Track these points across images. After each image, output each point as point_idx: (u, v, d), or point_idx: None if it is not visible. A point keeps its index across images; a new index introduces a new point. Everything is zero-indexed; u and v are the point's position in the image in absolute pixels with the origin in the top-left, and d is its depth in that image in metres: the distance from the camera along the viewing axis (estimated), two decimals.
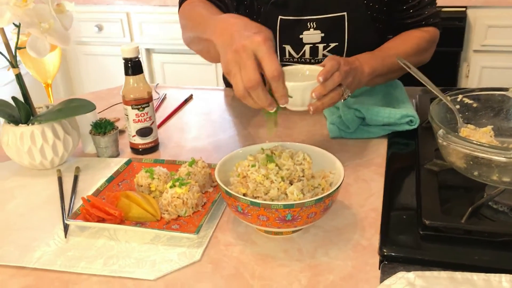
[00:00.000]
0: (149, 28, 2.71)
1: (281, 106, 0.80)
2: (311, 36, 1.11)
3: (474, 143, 0.73)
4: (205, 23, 0.93)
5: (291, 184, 0.74)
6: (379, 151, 1.01)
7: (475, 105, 0.93)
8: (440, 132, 0.77)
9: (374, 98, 1.15)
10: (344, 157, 0.98)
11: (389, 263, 0.70)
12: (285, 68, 0.91)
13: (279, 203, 0.68)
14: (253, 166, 0.76)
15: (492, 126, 0.91)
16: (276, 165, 0.75)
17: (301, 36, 1.12)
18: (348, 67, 0.90)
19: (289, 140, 1.06)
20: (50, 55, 1.08)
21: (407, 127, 1.03)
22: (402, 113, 1.02)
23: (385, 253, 0.71)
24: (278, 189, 0.73)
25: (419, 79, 0.93)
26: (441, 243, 0.72)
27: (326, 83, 0.84)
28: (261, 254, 0.74)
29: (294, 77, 0.89)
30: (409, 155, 0.98)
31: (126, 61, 0.98)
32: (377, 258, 0.71)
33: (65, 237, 0.79)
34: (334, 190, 0.71)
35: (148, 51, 2.79)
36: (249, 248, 0.75)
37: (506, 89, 0.92)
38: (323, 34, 1.11)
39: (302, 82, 0.84)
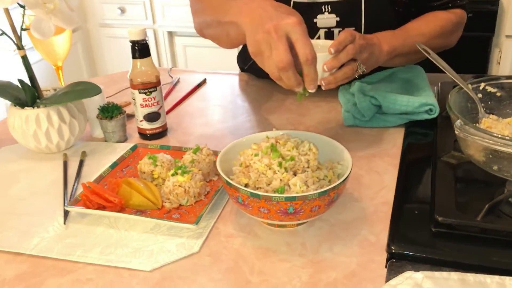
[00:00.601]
0: (171, 11, 2.68)
1: (310, 91, 0.78)
2: (326, 20, 1.06)
3: (494, 136, 0.68)
4: (226, 5, 0.89)
5: (295, 175, 0.71)
6: (395, 141, 0.96)
7: (499, 94, 0.87)
8: (457, 122, 0.72)
9: (393, 85, 1.09)
10: (358, 147, 0.94)
11: (397, 261, 0.66)
12: None
13: (280, 195, 0.65)
14: (256, 155, 0.72)
15: None
16: (280, 155, 0.71)
17: (315, 20, 1.07)
18: (365, 41, 0.86)
19: (302, 128, 1.03)
20: (60, 37, 1.07)
21: (426, 116, 0.98)
22: (421, 101, 0.97)
23: (393, 250, 0.67)
24: (280, 180, 0.69)
25: (438, 65, 0.88)
26: (454, 242, 0.68)
27: (338, 56, 0.81)
28: (263, 248, 0.70)
29: None
30: (426, 146, 0.93)
31: (133, 43, 0.95)
32: (384, 256, 0.67)
33: (64, 223, 0.77)
34: (340, 183, 0.67)
35: (171, 34, 2.77)
36: (250, 240, 0.72)
37: None
38: (338, 18, 1.06)
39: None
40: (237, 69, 1.41)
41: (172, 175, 0.79)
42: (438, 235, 0.69)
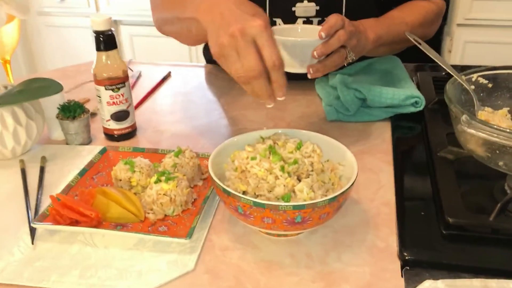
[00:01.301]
0: None
1: (279, 99, 0.71)
2: (305, 8, 1.00)
3: (507, 132, 0.64)
4: (184, 1, 0.82)
5: (299, 180, 0.64)
6: (383, 135, 0.92)
7: (490, 85, 0.84)
8: (464, 117, 0.68)
9: (372, 77, 1.05)
10: (344, 143, 0.87)
11: (412, 269, 0.61)
12: (275, 27, 0.83)
13: (288, 204, 0.58)
14: (253, 159, 0.65)
15: (508, 108, 0.83)
16: (281, 157, 0.65)
17: (293, 9, 1.00)
18: (354, 28, 0.81)
19: (283, 124, 0.97)
20: (7, 27, 0.94)
21: (412, 109, 0.94)
22: (407, 94, 0.93)
23: (407, 257, 0.62)
24: (284, 186, 0.63)
25: (431, 56, 0.84)
26: (468, 244, 0.64)
27: (330, 41, 0.76)
28: (265, 261, 0.64)
29: (293, 34, 0.82)
30: (416, 140, 0.89)
31: (98, 34, 0.85)
32: (397, 263, 0.63)
33: (32, 243, 0.67)
34: (349, 187, 0.62)
35: (116, 22, 2.61)
36: (250, 253, 0.65)
37: None
38: (318, 7, 1.00)
39: (303, 38, 0.76)
40: (189, 60, 1.33)
41: (155, 182, 0.70)
42: (450, 237, 0.65)
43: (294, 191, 0.63)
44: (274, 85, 0.68)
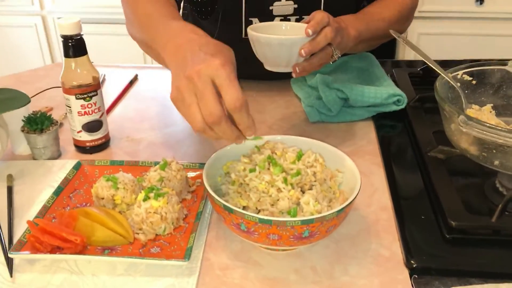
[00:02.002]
0: None
1: (248, 138, 0.63)
2: (282, 7, 0.96)
3: (505, 131, 0.64)
4: (153, 28, 0.76)
5: (302, 192, 0.61)
6: (368, 135, 0.90)
7: (474, 82, 0.84)
8: (461, 118, 0.67)
9: (350, 75, 1.03)
10: (330, 145, 0.87)
11: (421, 277, 0.60)
12: (256, 25, 0.81)
13: (296, 219, 0.55)
14: (252, 171, 0.61)
15: (492, 105, 0.83)
16: (283, 169, 0.61)
17: (271, 8, 0.97)
18: (337, 24, 0.79)
19: (265, 127, 0.94)
20: None
21: (394, 108, 0.93)
22: (389, 92, 0.92)
23: (414, 266, 0.61)
24: (288, 199, 0.59)
25: (417, 53, 0.83)
26: (472, 247, 0.64)
27: (317, 39, 0.74)
28: (269, 278, 0.60)
29: (277, 31, 0.81)
30: (402, 139, 0.88)
31: (66, 39, 0.78)
32: (405, 272, 0.61)
33: (11, 276, 0.60)
34: (356, 196, 0.59)
35: None
36: (252, 270, 0.61)
37: (505, 63, 0.84)
38: (296, 6, 0.97)
39: (289, 36, 0.74)
40: (144, 59, 1.27)
41: (144, 200, 0.65)
42: (455, 242, 0.64)
43: (299, 203, 0.60)
44: (240, 127, 0.61)
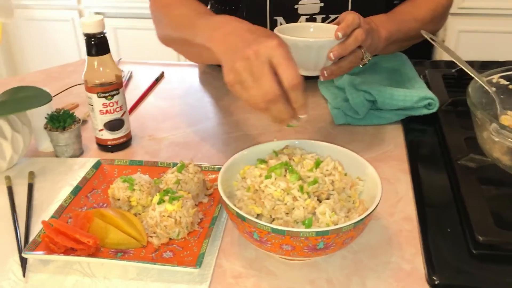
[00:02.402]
0: None
1: (300, 117, 0.65)
2: (308, 6, 0.94)
3: None
4: (193, 25, 0.77)
5: (319, 201, 0.59)
6: (396, 140, 0.86)
7: (511, 86, 0.79)
8: (493, 127, 0.63)
9: (380, 76, 0.99)
10: (355, 149, 0.81)
11: None
12: (283, 26, 0.79)
13: (310, 230, 0.53)
14: (267, 177, 0.59)
15: None
16: (299, 176, 0.59)
17: (296, 6, 0.94)
18: (368, 25, 0.76)
19: (288, 128, 0.90)
20: None
21: (425, 112, 0.88)
22: (420, 95, 0.88)
23: (437, 282, 0.57)
24: (304, 208, 0.57)
25: (449, 54, 0.79)
26: (501, 264, 0.60)
27: (347, 41, 0.71)
28: None
29: (304, 33, 0.77)
30: (432, 145, 0.84)
31: (89, 38, 0.78)
32: None
33: (24, 275, 0.60)
34: (376, 207, 0.56)
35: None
36: (265, 280, 0.59)
37: None
38: (322, 4, 0.94)
39: (318, 39, 0.70)
40: (178, 55, 1.26)
41: (158, 203, 0.64)
42: (482, 258, 0.60)
43: (314, 213, 0.57)
44: (295, 105, 0.62)
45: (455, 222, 0.66)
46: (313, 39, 0.71)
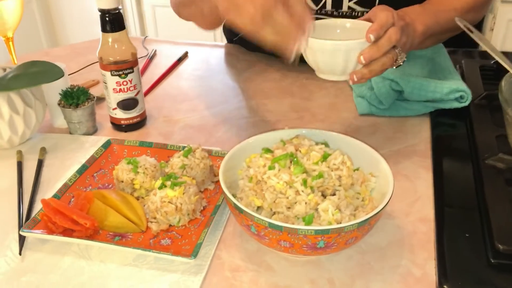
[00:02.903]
0: None
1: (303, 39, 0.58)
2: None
3: None
4: None
5: (324, 197, 0.55)
6: (421, 134, 0.81)
7: None
8: None
9: (411, 65, 0.93)
10: (376, 141, 0.79)
11: None
12: (316, 22, 0.69)
13: (309, 228, 0.49)
14: (271, 168, 0.56)
15: None
16: (304, 169, 0.55)
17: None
18: (403, 21, 0.69)
19: (309, 116, 0.87)
20: (8, 1, 0.85)
21: (456, 105, 0.82)
22: (452, 87, 0.81)
23: None
24: (306, 203, 0.53)
25: (483, 44, 0.72)
26: None
27: (380, 42, 0.63)
28: (280, 286, 0.55)
29: (330, 34, 0.68)
30: (460, 141, 0.78)
31: (103, 13, 0.76)
32: None
33: (20, 253, 0.60)
34: (384, 207, 0.52)
35: None
36: (263, 275, 0.57)
37: None
38: None
39: (346, 41, 0.63)
40: (219, 36, 1.23)
41: (160, 187, 0.62)
42: (500, 268, 0.55)
43: (317, 210, 0.54)
44: (297, 20, 0.56)
45: (476, 226, 0.61)
46: (341, 41, 0.63)
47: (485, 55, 1.05)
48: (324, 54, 0.63)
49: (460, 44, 1.03)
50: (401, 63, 0.68)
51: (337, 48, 0.63)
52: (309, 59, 0.66)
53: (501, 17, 2.08)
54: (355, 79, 0.65)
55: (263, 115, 0.88)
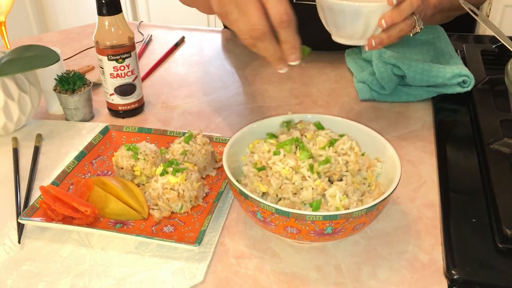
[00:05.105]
0: None
1: (292, 64, 0.58)
2: None
3: None
4: None
5: (331, 182, 0.54)
6: (424, 119, 0.80)
7: None
8: None
9: (412, 49, 0.92)
10: (380, 127, 0.78)
11: None
12: None
13: (317, 213, 0.48)
14: (276, 153, 0.55)
15: None
16: (310, 154, 0.54)
17: None
18: None
19: (308, 102, 0.86)
20: None
21: (459, 90, 0.82)
22: (454, 72, 0.80)
23: (455, 277, 0.52)
24: (313, 189, 0.52)
25: (489, 28, 0.71)
26: None
27: (402, 7, 0.63)
28: (286, 273, 0.54)
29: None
30: (463, 126, 0.78)
31: None
32: (444, 283, 0.53)
33: (19, 241, 0.58)
34: (392, 192, 0.51)
35: None
36: (268, 262, 0.56)
37: None
38: None
39: (368, 3, 0.62)
40: (213, 22, 1.21)
41: (161, 174, 0.61)
42: (508, 253, 0.55)
43: (324, 195, 0.53)
44: (284, 47, 0.56)
45: (482, 211, 0.60)
46: (364, 3, 0.62)
47: (486, 39, 1.04)
48: (345, 17, 0.62)
49: (456, 29, 1.02)
50: (419, 30, 0.67)
51: (359, 10, 0.62)
52: (328, 21, 0.65)
53: (497, 3, 2.07)
54: (373, 44, 0.64)
55: (263, 101, 0.87)
